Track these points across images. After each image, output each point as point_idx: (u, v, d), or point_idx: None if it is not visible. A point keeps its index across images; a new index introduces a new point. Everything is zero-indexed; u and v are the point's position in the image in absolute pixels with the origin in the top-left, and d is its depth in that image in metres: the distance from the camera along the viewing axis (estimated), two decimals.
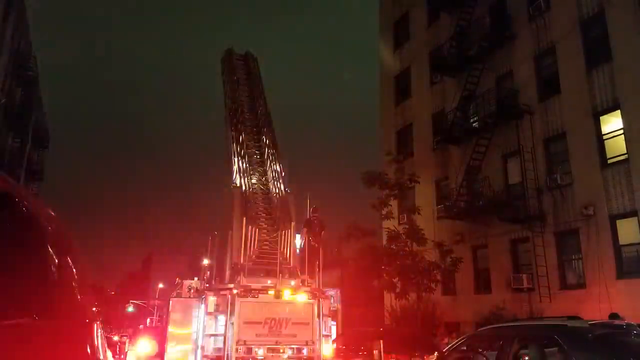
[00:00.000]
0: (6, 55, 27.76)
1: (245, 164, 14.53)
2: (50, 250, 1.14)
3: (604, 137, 17.53)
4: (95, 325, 1.22)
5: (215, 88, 18.65)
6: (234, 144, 15.13)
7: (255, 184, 14.33)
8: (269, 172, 14.89)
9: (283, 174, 14.97)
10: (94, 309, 1.26)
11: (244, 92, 17.06)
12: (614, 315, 11.77)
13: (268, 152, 15.30)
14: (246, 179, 14.25)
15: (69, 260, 1.20)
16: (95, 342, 1.19)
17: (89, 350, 1.13)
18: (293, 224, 13.45)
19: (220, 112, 17.46)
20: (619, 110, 17.10)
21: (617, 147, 17.01)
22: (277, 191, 14.48)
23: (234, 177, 14.46)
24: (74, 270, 1.22)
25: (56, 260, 1.15)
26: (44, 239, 1.16)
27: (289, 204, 14.16)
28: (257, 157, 15.11)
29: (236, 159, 14.69)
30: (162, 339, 13.45)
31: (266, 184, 14.52)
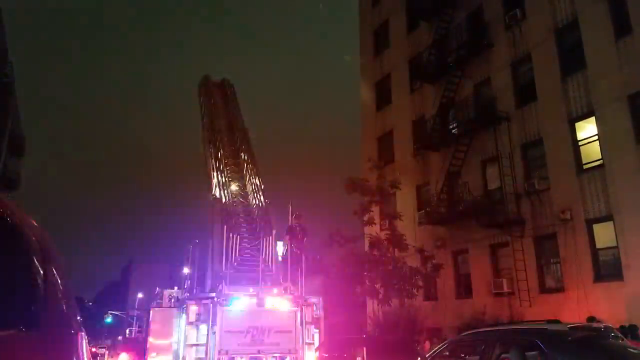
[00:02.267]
0: None
1: (225, 178, 14.73)
2: (36, 261, 1.12)
3: (580, 143, 17.92)
4: (80, 335, 1.21)
5: (194, 102, 18.99)
6: (212, 160, 15.41)
7: (235, 196, 14.47)
8: (249, 186, 15.13)
9: (263, 187, 15.17)
10: (78, 318, 1.24)
11: (222, 115, 17.54)
12: (591, 319, 11.98)
13: (247, 167, 15.63)
14: (226, 191, 14.41)
15: (54, 271, 1.19)
16: (81, 353, 1.17)
17: None
18: (274, 231, 13.48)
19: (199, 126, 17.77)
20: (593, 117, 17.51)
21: (592, 152, 17.40)
22: (257, 202, 14.61)
23: (213, 190, 14.60)
24: (59, 280, 1.20)
25: (41, 271, 1.13)
26: (29, 249, 1.14)
27: (270, 214, 14.27)
28: (235, 173, 15.36)
29: (215, 173, 14.92)
30: (142, 350, 13.25)
31: (246, 197, 14.69)
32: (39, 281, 1.12)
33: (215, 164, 15.25)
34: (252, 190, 15.00)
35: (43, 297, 1.10)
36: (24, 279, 1.08)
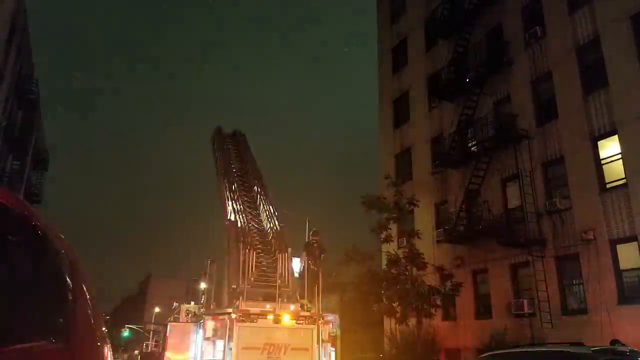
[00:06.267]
0: (9, 79, 28.02)
1: (239, 205, 15.47)
2: (65, 274, 1.15)
3: (602, 161, 17.62)
4: (106, 347, 1.22)
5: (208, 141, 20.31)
6: (227, 192, 16.33)
7: (249, 221, 15.16)
8: (262, 214, 15.79)
9: (277, 213, 15.92)
10: (104, 329, 1.26)
11: (234, 159, 18.79)
12: (615, 342, 11.62)
13: (260, 198, 16.64)
14: (241, 216, 15.05)
15: (82, 284, 1.21)
16: None
17: None
18: (290, 249, 13.62)
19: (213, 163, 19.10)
20: (616, 135, 17.23)
21: (615, 171, 17.08)
22: (271, 225, 15.11)
23: (228, 215, 15.17)
24: (87, 293, 1.23)
25: (70, 284, 1.15)
26: (59, 262, 1.16)
27: (284, 236, 14.69)
28: (249, 202, 16.28)
29: (230, 202, 15.65)
30: None
31: (260, 223, 15.38)
32: (69, 294, 1.14)
33: (230, 195, 16.11)
34: (266, 216, 15.66)
35: (72, 309, 1.13)
36: (54, 291, 1.11)
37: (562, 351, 6.32)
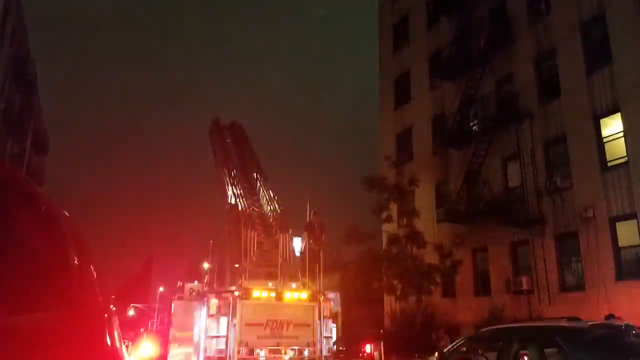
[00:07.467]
0: (5, 61, 27.82)
1: (239, 190, 15.77)
2: (70, 249, 1.21)
3: (604, 140, 17.59)
4: (113, 319, 1.29)
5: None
6: (227, 178, 16.76)
7: (250, 205, 15.49)
8: (262, 199, 16.40)
9: (276, 197, 16.38)
10: (112, 307, 1.32)
11: (232, 148, 19.27)
12: (610, 317, 11.77)
13: (259, 184, 17.09)
14: (241, 200, 15.37)
15: (88, 258, 1.27)
16: (115, 335, 1.25)
17: (109, 341, 1.19)
18: (290, 229, 13.83)
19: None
20: (619, 113, 17.17)
21: (617, 149, 17.08)
22: (271, 209, 15.45)
23: (229, 199, 15.47)
24: (92, 267, 1.28)
25: (75, 259, 1.21)
26: (64, 238, 1.22)
27: (285, 217, 15.03)
28: (248, 188, 16.65)
29: (230, 187, 15.95)
30: (164, 342, 13.57)
31: (260, 207, 15.69)
32: (75, 268, 1.20)
33: (229, 180, 16.53)
34: (266, 201, 15.98)
35: (78, 282, 1.19)
36: (60, 265, 1.17)
37: (558, 326, 6.42)
